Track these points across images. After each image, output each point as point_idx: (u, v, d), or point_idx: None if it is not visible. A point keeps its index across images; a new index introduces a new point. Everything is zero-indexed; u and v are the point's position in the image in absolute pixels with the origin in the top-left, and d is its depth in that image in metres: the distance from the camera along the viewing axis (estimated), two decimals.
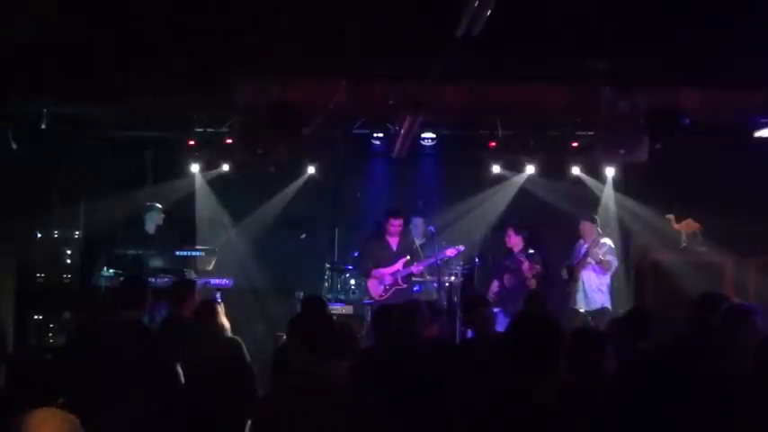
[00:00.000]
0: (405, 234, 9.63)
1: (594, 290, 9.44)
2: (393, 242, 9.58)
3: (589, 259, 9.43)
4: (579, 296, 9.55)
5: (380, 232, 9.68)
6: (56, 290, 9.22)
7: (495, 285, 9.57)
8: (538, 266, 9.41)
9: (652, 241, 10.26)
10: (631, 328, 5.49)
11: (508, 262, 9.58)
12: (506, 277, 9.51)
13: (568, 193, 10.63)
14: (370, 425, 3.58)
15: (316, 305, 5.94)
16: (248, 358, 5.88)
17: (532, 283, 9.29)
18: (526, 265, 9.35)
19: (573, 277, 9.60)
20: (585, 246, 9.62)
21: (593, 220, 9.74)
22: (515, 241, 9.59)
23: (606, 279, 9.54)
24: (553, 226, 10.61)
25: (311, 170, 10.64)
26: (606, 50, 7.17)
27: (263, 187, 10.62)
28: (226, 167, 10.39)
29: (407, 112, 8.12)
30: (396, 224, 9.47)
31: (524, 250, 9.54)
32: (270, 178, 10.54)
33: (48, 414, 2.86)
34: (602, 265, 9.38)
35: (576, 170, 10.44)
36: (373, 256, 9.52)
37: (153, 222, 9.72)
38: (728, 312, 5.38)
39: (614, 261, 9.48)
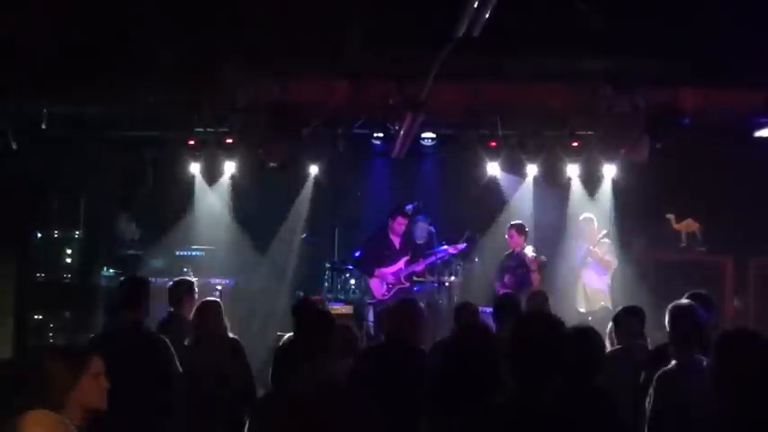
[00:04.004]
0: (407, 233, 9.70)
1: (595, 290, 9.44)
2: (396, 241, 9.67)
3: (589, 259, 9.45)
4: (580, 296, 9.56)
5: (384, 231, 9.72)
6: (56, 290, 9.22)
7: (497, 287, 9.57)
8: (543, 257, 9.43)
9: (652, 241, 10.26)
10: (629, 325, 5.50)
11: (508, 263, 9.58)
12: (507, 277, 9.51)
13: (568, 193, 10.64)
14: (369, 425, 3.58)
15: (315, 305, 5.97)
16: (248, 358, 5.88)
17: (536, 278, 9.28)
18: (530, 257, 9.36)
19: (574, 277, 9.63)
20: (585, 246, 9.63)
21: (592, 221, 9.75)
22: (518, 242, 9.57)
23: (607, 279, 9.55)
24: (553, 226, 10.63)
25: (312, 170, 10.63)
26: (606, 50, 7.16)
27: (264, 187, 10.62)
28: (226, 167, 10.38)
29: (407, 112, 8.12)
30: (403, 222, 9.59)
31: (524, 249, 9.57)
32: (270, 178, 10.53)
33: (41, 415, 2.86)
34: (602, 265, 9.39)
35: (575, 170, 10.43)
36: (377, 254, 9.58)
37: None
38: None
39: (614, 261, 9.50)
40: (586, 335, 4.29)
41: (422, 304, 5.64)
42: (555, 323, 3.09)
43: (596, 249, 9.42)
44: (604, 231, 9.67)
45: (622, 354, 5.38)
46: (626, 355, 5.32)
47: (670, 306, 4.88)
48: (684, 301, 4.96)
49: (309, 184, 10.73)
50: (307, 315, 3.81)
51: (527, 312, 3.31)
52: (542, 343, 3.01)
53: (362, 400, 3.67)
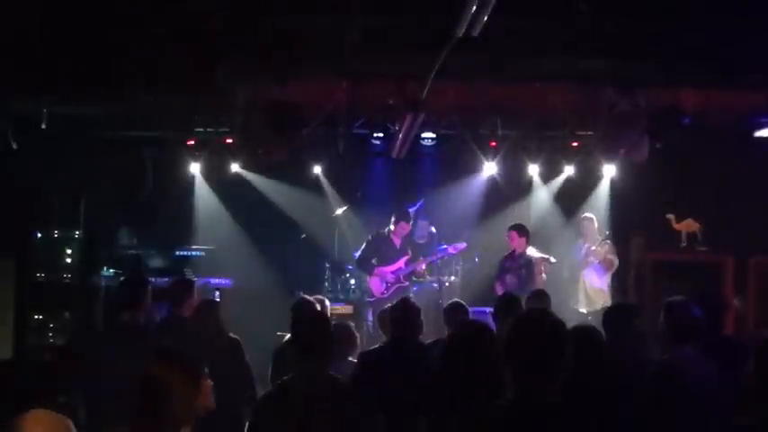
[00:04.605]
0: (407, 233, 9.76)
1: (596, 290, 9.43)
2: (396, 240, 9.73)
3: (591, 258, 9.44)
4: (581, 296, 9.55)
5: (385, 230, 9.75)
6: (56, 290, 9.22)
7: (498, 288, 9.54)
8: (550, 257, 9.44)
9: (652, 241, 10.26)
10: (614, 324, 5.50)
11: (509, 263, 9.55)
12: (508, 277, 9.49)
13: (568, 193, 10.65)
14: (368, 425, 3.58)
15: (312, 306, 5.98)
16: (247, 358, 5.88)
17: (541, 279, 9.25)
18: (537, 258, 9.34)
19: (574, 277, 9.62)
20: (586, 245, 9.63)
21: (592, 220, 9.75)
22: (519, 243, 9.54)
23: (607, 279, 9.55)
24: (553, 226, 10.64)
25: (311, 170, 10.64)
26: (607, 51, 7.16)
27: (264, 187, 10.63)
28: (227, 167, 10.39)
29: (407, 111, 8.12)
30: (406, 227, 9.68)
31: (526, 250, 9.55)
32: (270, 178, 10.55)
33: (42, 414, 2.86)
34: (604, 264, 9.39)
35: (575, 170, 10.44)
36: (379, 253, 9.63)
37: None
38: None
39: (616, 260, 9.50)
40: (587, 334, 4.29)
41: (416, 303, 5.63)
42: (555, 323, 3.08)
43: (598, 248, 9.43)
44: (607, 233, 9.68)
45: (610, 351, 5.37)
46: (614, 353, 5.32)
47: (666, 301, 4.90)
48: (679, 297, 5.00)
49: (309, 184, 10.73)
50: (304, 316, 3.81)
51: (526, 312, 3.28)
52: (542, 343, 3.00)
53: (362, 400, 3.67)
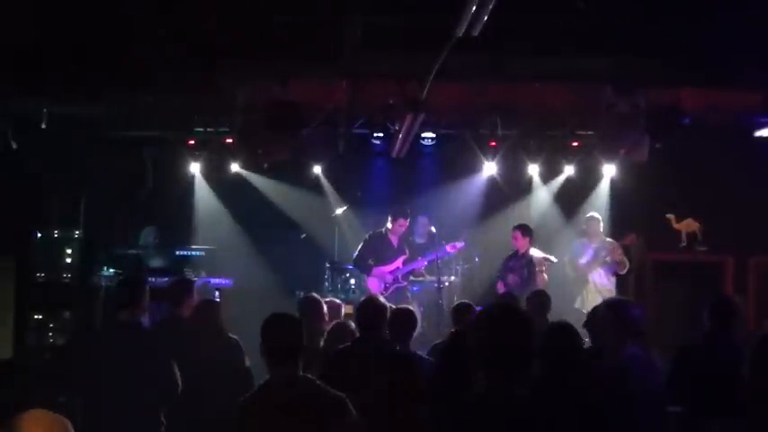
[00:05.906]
0: (406, 232, 9.79)
1: (604, 291, 9.40)
2: (394, 240, 9.71)
3: (608, 258, 9.40)
4: (588, 296, 9.50)
5: (383, 230, 9.75)
6: (56, 290, 9.21)
7: (500, 286, 9.52)
8: (552, 257, 9.42)
9: (652, 241, 10.26)
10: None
11: (513, 263, 9.53)
12: (510, 277, 9.48)
13: (568, 193, 10.65)
14: (348, 424, 3.60)
15: (316, 305, 6.00)
16: (247, 358, 5.88)
17: (543, 279, 9.23)
18: (537, 257, 9.33)
19: (577, 276, 9.60)
20: (593, 245, 9.61)
21: (598, 220, 9.73)
22: (522, 243, 9.52)
23: (614, 280, 9.53)
24: (553, 226, 10.64)
25: (312, 170, 10.65)
26: (607, 50, 7.17)
27: (264, 187, 10.63)
28: (227, 167, 10.39)
29: (407, 111, 8.12)
30: (404, 225, 9.65)
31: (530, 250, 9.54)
32: (270, 178, 10.55)
33: (40, 414, 2.86)
34: (620, 266, 9.38)
35: (575, 169, 10.44)
36: (376, 252, 9.62)
37: (150, 237, 9.91)
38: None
39: (627, 261, 9.50)
40: (564, 332, 4.27)
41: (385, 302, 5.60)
42: (517, 318, 3.07)
43: (617, 249, 9.43)
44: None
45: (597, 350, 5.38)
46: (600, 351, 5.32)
47: (605, 301, 4.92)
48: (619, 296, 5.04)
49: (309, 184, 10.74)
50: (271, 319, 3.84)
51: (488, 307, 3.25)
52: (504, 338, 2.99)
53: (340, 399, 3.69)
